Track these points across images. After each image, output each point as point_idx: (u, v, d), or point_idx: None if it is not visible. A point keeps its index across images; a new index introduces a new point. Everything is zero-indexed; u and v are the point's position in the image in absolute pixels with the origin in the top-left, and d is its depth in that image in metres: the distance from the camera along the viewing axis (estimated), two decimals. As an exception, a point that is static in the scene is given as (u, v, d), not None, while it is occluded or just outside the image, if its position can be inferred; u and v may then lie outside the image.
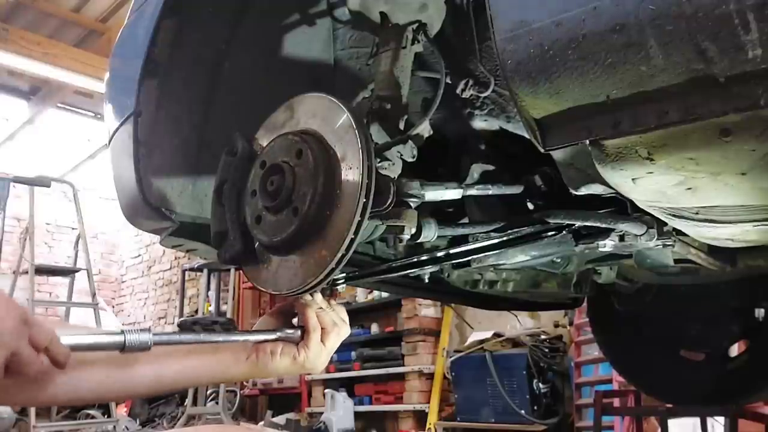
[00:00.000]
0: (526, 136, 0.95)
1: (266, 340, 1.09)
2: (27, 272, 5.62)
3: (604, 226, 1.25)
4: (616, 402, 3.54)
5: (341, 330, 1.13)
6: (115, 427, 6.11)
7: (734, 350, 2.19)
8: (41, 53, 6.25)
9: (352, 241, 0.97)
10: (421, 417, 5.62)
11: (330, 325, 1.10)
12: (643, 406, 3.34)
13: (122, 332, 0.92)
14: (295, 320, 1.15)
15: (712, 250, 1.45)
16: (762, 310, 1.97)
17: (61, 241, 9.74)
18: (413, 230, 1.13)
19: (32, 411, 5.47)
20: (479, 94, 1.29)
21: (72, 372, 0.94)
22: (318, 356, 1.10)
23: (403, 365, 5.76)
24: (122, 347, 0.91)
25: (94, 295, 5.97)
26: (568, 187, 1.08)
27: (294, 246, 1.04)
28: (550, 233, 1.32)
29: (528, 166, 1.36)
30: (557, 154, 0.99)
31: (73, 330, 1.03)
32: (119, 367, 1.01)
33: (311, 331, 1.09)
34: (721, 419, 3.05)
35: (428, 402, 5.55)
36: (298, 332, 1.10)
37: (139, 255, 10.32)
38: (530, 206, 1.39)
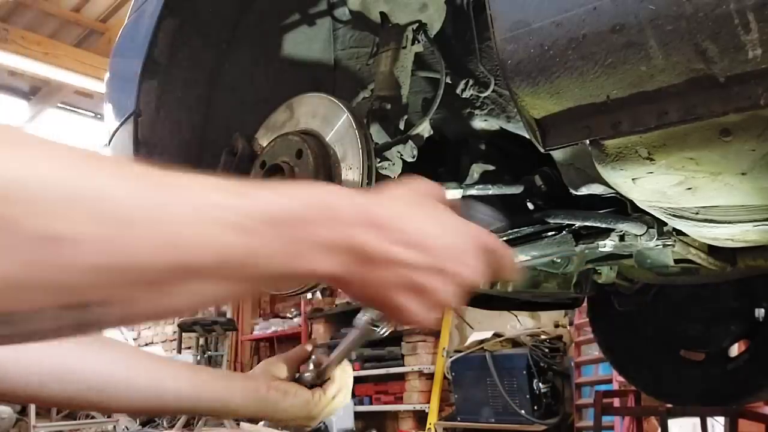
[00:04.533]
0: (526, 136, 0.95)
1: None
2: (27, 272, 5.62)
3: (604, 226, 1.25)
4: (616, 402, 3.54)
5: (347, 393, 1.08)
6: (115, 427, 6.11)
7: (734, 350, 2.20)
8: (41, 53, 6.25)
9: (352, 241, 0.97)
10: (421, 417, 5.62)
11: (345, 384, 1.05)
12: (643, 406, 3.34)
13: None
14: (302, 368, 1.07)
15: (712, 250, 1.45)
16: (762, 310, 1.97)
17: (61, 241, 9.74)
18: (413, 230, 1.13)
19: (32, 411, 5.47)
20: (479, 94, 1.29)
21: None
22: (325, 407, 1.03)
23: (403, 365, 5.76)
24: None
25: (94, 295, 5.97)
26: (568, 187, 1.08)
27: (294, 246, 1.04)
28: (550, 233, 1.32)
29: (528, 166, 1.36)
30: (557, 154, 0.99)
31: None
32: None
33: (334, 379, 1.03)
34: (721, 419, 3.05)
35: (428, 402, 5.55)
36: (317, 377, 1.03)
37: (139, 255, 10.32)
38: (530, 206, 1.39)
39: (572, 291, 1.82)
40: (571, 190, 1.08)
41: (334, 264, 0.47)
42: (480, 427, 4.94)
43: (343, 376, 1.05)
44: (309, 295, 1.29)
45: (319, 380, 1.03)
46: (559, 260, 1.63)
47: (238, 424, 5.68)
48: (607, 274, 1.77)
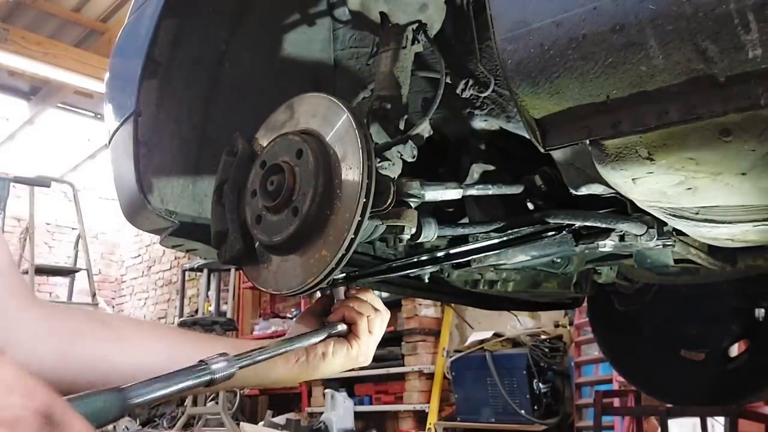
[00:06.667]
0: (526, 136, 0.95)
1: (321, 341, 1.07)
2: (27, 272, 5.63)
3: (604, 226, 1.25)
4: (616, 402, 3.54)
5: (383, 315, 1.13)
6: (115, 427, 6.11)
7: (734, 350, 2.20)
8: (41, 53, 6.25)
9: (352, 240, 0.97)
10: (421, 417, 5.62)
11: (372, 313, 1.11)
12: (643, 406, 3.34)
13: (206, 365, 0.86)
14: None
15: (712, 250, 1.45)
16: (762, 310, 1.97)
17: (61, 241, 9.76)
18: (413, 230, 1.13)
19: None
20: (479, 94, 1.29)
21: None
22: (368, 346, 1.10)
23: (403, 365, 5.76)
24: (209, 382, 0.86)
25: (94, 295, 5.99)
26: (568, 187, 1.08)
27: (294, 246, 1.04)
28: (550, 233, 1.32)
29: (528, 166, 1.36)
30: (557, 154, 0.99)
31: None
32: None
33: (357, 320, 1.09)
34: (721, 419, 3.06)
35: (428, 402, 5.55)
36: (344, 326, 1.09)
37: (139, 255, 10.33)
38: (530, 206, 1.39)
39: (572, 291, 1.82)
40: (571, 190, 1.08)
41: None
42: (480, 427, 4.95)
43: (365, 308, 1.10)
44: (341, 294, 1.29)
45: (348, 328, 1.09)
46: (559, 260, 1.63)
47: (239, 425, 5.68)
48: (607, 274, 1.77)
